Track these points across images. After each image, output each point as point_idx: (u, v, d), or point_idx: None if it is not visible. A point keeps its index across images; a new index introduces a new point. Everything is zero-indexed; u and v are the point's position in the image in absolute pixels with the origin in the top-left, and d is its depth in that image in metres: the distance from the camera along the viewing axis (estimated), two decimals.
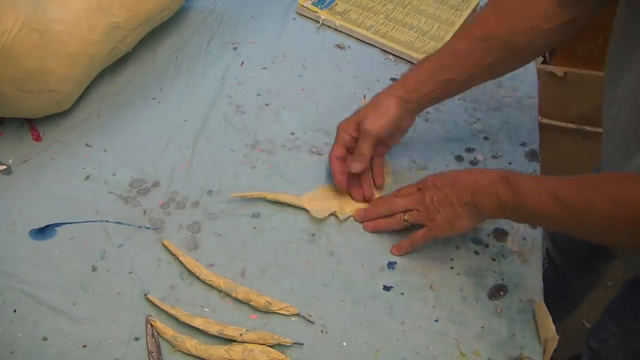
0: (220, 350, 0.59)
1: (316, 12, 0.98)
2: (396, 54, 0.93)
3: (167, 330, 0.61)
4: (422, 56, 0.91)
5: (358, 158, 0.70)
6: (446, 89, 0.71)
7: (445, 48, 0.70)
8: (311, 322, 0.63)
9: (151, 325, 0.61)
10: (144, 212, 0.71)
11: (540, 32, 0.65)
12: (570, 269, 0.97)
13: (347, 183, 0.73)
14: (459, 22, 0.97)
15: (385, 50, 0.94)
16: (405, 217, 0.67)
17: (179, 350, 0.60)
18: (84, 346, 0.60)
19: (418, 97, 0.70)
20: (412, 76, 0.71)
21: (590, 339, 0.93)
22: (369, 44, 0.95)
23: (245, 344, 0.59)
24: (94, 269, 0.66)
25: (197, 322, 0.61)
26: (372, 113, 0.70)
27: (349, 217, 0.72)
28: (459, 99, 0.87)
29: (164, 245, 0.68)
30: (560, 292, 0.68)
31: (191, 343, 0.59)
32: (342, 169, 0.72)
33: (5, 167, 0.75)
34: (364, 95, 0.86)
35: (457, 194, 0.63)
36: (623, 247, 0.63)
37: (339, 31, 0.97)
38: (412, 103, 0.70)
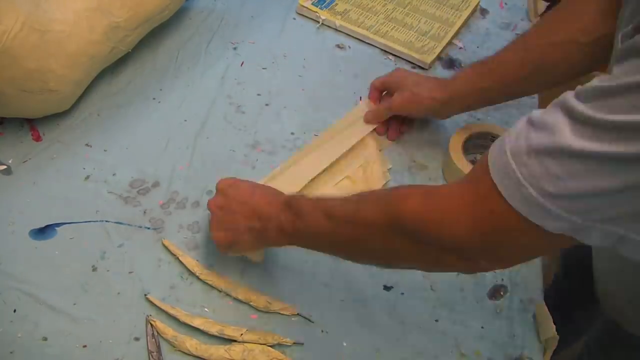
0: (220, 350, 0.59)
1: (316, 12, 0.98)
2: (396, 54, 0.93)
3: (167, 330, 0.61)
4: (422, 56, 0.91)
5: (371, 115, 0.80)
6: (482, 96, 0.72)
7: (494, 56, 0.70)
8: (311, 321, 0.63)
9: (151, 325, 0.61)
10: (144, 212, 0.71)
11: (577, 46, 0.62)
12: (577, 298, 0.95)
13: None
14: (459, 22, 0.97)
15: (385, 50, 0.94)
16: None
17: (179, 350, 0.60)
18: (84, 346, 0.60)
19: (454, 103, 0.74)
20: (458, 80, 0.73)
21: None
22: (369, 44, 0.95)
23: (245, 344, 0.60)
24: (94, 269, 0.66)
25: (197, 322, 0.61)
26: (408, 94, 0.76)
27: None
28: None
29: (164, 245, 0.68)
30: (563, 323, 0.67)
31: (191, 343, 0.59)
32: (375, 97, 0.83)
33: (5, 167, 0.75)
34: (360, 97, 0.86)
35: (243, 215, 0.60)
36: (404, 267, 0.58)
37: (339, 31, 0.97)
38: (447, 106, 0.74)
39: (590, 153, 0.36)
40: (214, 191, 0.73)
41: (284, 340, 0.60)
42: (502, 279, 0.67)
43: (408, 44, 0.94)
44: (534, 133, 0.39)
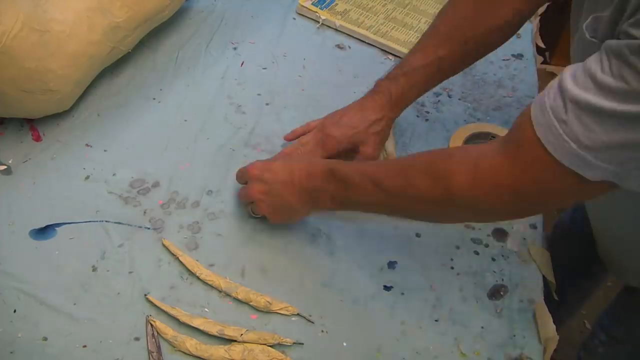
0: (220, 350, 0.59)
1: (316, 12, 0.98)
2: (396, 54, 0.93)
3: (167, 330, 0.61)
4: None
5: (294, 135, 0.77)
6: (425, 92, 0.74)
7: (429, 56, 0.71)
8: (311, 322, 0.63)
9: (151, 325, 0.61)
10: (144, 212, 0.71)
11: (513, 25, 0.70)
12: (565, 277, 0.97)
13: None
14: None
15: (385, 50, 0.94)
16: (251, 212, 0.70)
17: (179, 350, 0.60)
18: (84, 346, 0.60)
19: (401, 109, 0.74)
20: (400, 90, 0.72)
21: (580, 350, 0.93)
22: (369, 44, 0.95)
23: (245, 344, 0.60)
24: (94, 269, 0.66)
25: (197, 323, 0.61)
26: (375, 137, 0.73)
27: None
28: (459, 99, 0.87)
29: (164, 245, 0.68)
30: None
31: (191, 343, 0.59)
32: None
33: (5, 167, 0.75)
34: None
35: (291, 195, 0.64)
36: (454, 221, 0.66)
37: (339, 31, 0.97)
38: (394, 114, 0.74)
39: (616, 111, 0.40)
40: (214, 191, 0.73)
41: (284, 340, 0.60)
42: (502, 279, 0.67)
43: (408, 44, 0.94)
44: (571, 92, 0.43)
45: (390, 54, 0.94)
